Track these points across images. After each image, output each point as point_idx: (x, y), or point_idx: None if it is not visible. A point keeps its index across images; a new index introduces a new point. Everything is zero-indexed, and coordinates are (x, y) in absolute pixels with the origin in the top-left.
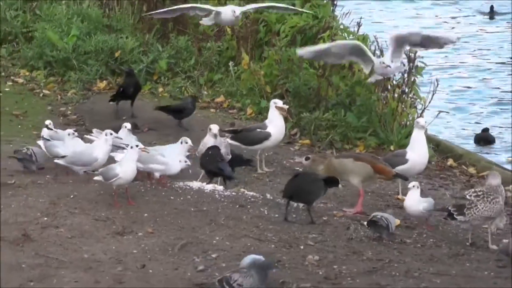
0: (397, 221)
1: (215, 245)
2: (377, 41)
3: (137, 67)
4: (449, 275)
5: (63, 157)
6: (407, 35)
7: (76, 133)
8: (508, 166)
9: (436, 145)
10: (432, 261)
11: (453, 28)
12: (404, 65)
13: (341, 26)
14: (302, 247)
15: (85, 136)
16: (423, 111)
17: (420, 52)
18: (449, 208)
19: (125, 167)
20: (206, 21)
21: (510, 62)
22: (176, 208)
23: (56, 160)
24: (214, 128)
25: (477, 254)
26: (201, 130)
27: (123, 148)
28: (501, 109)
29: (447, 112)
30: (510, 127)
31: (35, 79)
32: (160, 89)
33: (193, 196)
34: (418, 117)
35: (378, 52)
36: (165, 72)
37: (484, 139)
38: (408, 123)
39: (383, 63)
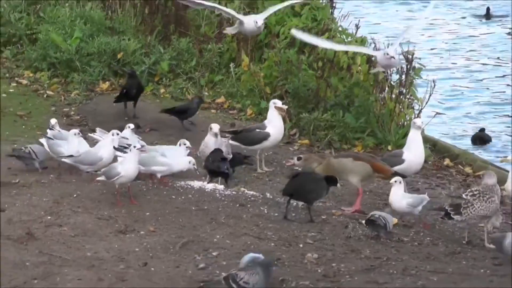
0: (395, 220)
1: (216, 243)
2: (374, 43)
3: (139, 68)
4: (446, 273)
5: (70, 156)
6: None
7: (80, 133)
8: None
9: (432, 145)
10: (429, 259)
11: (450, 30)
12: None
13: (340, 28)
14: (301, 245)
15: (89, 134)
16: (420, 111)
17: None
18: (446, 207)
19: (127, 166)
20: (230, 30)
21: (507, 63)
22: (177, 207)
23: (63, 159)
24: (215, 127)
25: (473, 252)
26: (201, 131)
27: (125, 148)
28: (496, 109)
29: (443, 114)
30: (509, 126)
31: (39, 80)
32: (162, 90)
33: (194, 195)
34: (415, 117)
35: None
36: (167, 74)
37: (481, 138)
38: (405, 123)
39: (387, 54)
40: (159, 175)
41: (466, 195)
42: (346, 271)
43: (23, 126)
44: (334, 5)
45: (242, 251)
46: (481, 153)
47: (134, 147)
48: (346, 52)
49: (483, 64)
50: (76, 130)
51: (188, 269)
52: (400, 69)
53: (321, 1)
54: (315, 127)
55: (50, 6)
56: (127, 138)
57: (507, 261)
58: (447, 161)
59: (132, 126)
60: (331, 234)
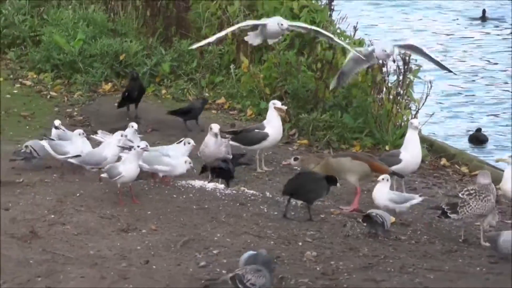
0: (392, 219)
1: (216, 241)
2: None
3: (141, 70)
4: (443, 270)
5: (76, 156)
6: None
7: (85, 134)
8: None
9: (429, 145)
10: (426, 257)
11: (445, 31)
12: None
13: (338, 31)
14: (300, 243)
15: (91, 136)
16: (417, 112)
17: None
18: (443, 206)
19: (128, 166)
20: (252, 40)
21: (502, 64)
22: (178, 206)
23: (69, 159)
24: (215, 127)
25: (470, 251)
26: (201, 131)
27: (131, 148)
28: (492, 109)
29: (440, 114)
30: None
31: (43, 82)
32: (163, 91)
33: (195, 194)
34: (412, 118)
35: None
36: (168, 75)
37: (477, 138)
38: (402, 124)
39: (385, 51)
40: (161, 175)
41: (463, 194)
42: (344, 269)
43: (27, 127)
44: (332, 7)
45: (242, 249)
46: (477, 153)
47: (138, 146)
48: (344, 54)
49: (479, 65)
50: (81, 130)
51: (189, 267)
52: (397, 70)
53: (319, 3)
54: (314, 128)
55: (53, 8)
56: (133, 142)
57: (502, 259)
58: (443, 161)
59: (135, 126)
60: (330, 233)
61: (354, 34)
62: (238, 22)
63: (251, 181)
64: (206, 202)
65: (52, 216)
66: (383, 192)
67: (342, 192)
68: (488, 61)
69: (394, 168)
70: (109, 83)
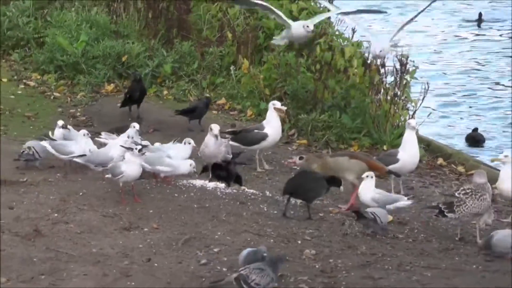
0: (390, 217)
1: (217, 240)
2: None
3: (143, 71)
4: (439, 268)
5: (82, 156)
6: None
7: (89, 134)
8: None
9: (427, 145)
10: (423, 255)
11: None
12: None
13: (337, 32)
14: (299, 242)
15: (96, 139)
16: (414, 112)
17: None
18: (440, 205)
19: (130, 166)
20: (278, 41)
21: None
22: (180, 205)
23: (74, 159)
24: (215, 127)
25: (466, 249)
26: (201, 131)
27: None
28: (489, 109)
29: (437, 114)
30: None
31: (46, 82)
32: (165, 92)
33: (196, 193)
34: (409, 118)
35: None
36: (170, 76)
37: (473, 138)
38: (400, 124)
39: (381, 50)
40: (162, 175)
41: (459, 193)
42: (342, 266)
43: (31, 127)
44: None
45: (242, 247)
46: (474, 153)
47: (137, 149)
48: (343, 55)
49: (475, 67)
50: (85, 131)
51: (190, 265)
52: (395, 71)
53: (318, 6)
54: (313, 128)
55: (57, 10)
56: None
57: (498, 257)
58: (440, 161)
59: (137, 126)
60: (329, 231)
61: (352, 36)
62: (238, 25)
63: (251, 181)
64: (207, 201)
65: (56, 214)
66: (368, 189)
67: (341, 192)
68: (482, 62)
69: (391, 167)
70: (112, 84)
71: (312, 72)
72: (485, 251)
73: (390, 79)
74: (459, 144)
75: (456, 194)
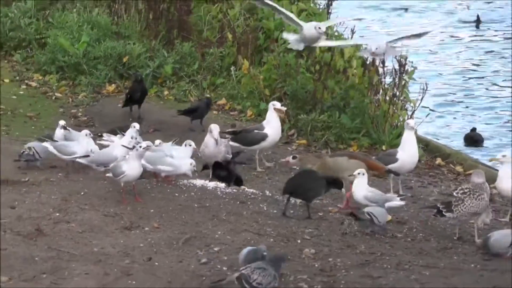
0: (389, 217)
1: (217, 239)
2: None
3: (144, 71)
4: (438, 267)
5: (85, 156)
6: None
7: (91, 134)
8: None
9: (425, 145)
10: (422, 254)
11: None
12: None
13: (336, 34)
14: (299, 241)
15: (97, 141)
16: (413, 113)
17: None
18: (438, 205)
19: (131, 165)
20: (293, 45)
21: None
22: (180, 204)
23: (77, 159)
24: (215, 128)
25: (464, 248)
26: (202, 131)
27: (131, 148)
28: (488, 109)
29: (435, 114)
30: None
31: (48, 83)
32: (166, 92)
33: (197, 193)
34: (408, 118)
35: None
36: (170, 76)
37: (472, 138)
38: (399, 124)
39: (377, 48)
40: (163, 174)
41: (457, 193)
42: (342, 265)
43: (33, 127)
44: (330, 11)
45: (243, 246)
46: (472, 153)
47: (140, 147)
48: (343, 56)
49: (473, 68)
50: (87, 131)
51: (191, 264)
52: (393, 72)
53: (318, 7)
54: (312, 128)
55: (58, 11)
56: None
57: (496, 256)
58: (438, 161)
59: (137, 126)
60: (328, 230)
61: (351, 37)
62: (238, 26)
63: (251, 180)
64: (207, 200)
65: (57, 214)
66: (361, 187)
67: (343, 193)
68: (479, 63)
69: (390, 167)
70: (113, 85)
71: (312, 72)
72: (483, 250)
73: (389, 79)
74: (457, 143)
75: (455, 193)
